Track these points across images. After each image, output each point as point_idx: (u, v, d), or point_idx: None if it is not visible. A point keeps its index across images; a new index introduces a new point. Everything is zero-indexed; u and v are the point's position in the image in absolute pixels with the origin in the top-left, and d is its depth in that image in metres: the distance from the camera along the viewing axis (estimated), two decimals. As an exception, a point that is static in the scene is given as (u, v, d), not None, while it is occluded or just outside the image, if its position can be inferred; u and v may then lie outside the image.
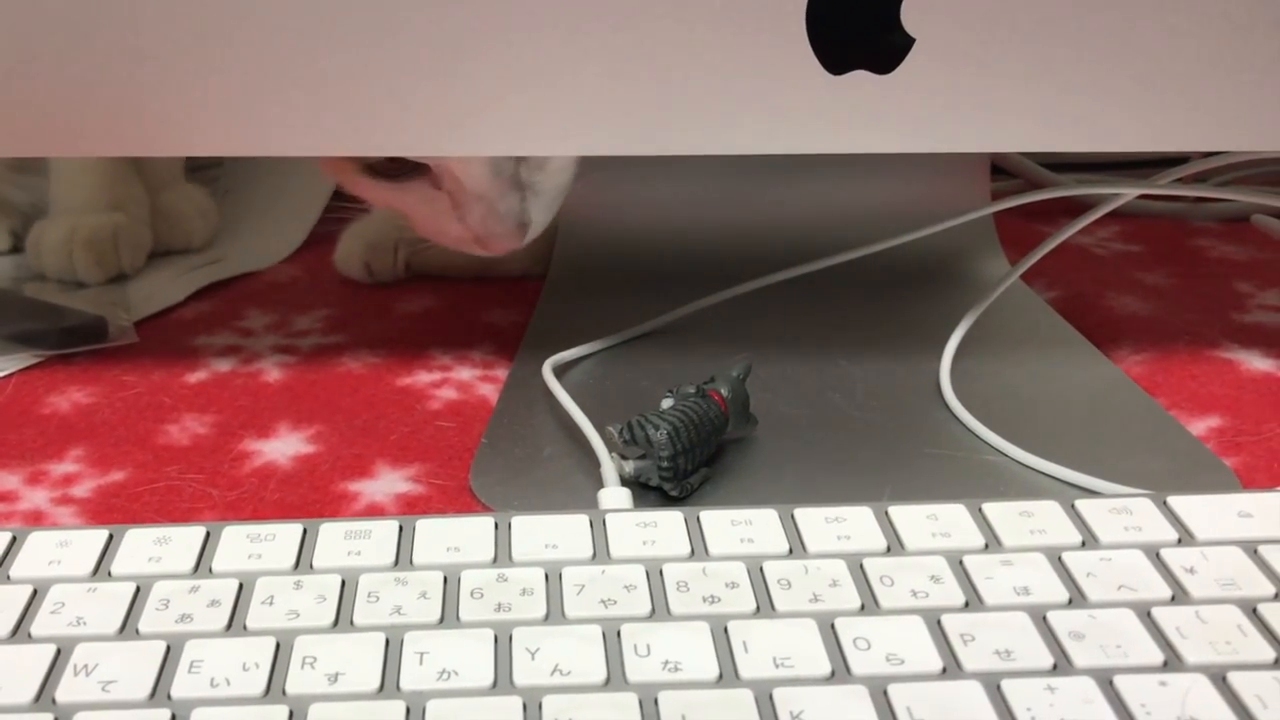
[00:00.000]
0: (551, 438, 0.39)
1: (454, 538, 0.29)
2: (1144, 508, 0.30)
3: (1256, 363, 0.46)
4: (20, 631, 0.26)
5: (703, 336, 0.47)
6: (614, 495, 0.34)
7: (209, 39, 0.34)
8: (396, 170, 0.44)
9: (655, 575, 0.28)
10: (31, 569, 0.28)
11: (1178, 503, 0.31)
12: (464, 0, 0.33)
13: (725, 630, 0.26)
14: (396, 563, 0.28)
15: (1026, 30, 0.34)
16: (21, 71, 0.34)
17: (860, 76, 0.35)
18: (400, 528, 0.29)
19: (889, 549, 0.29)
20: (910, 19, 0.34)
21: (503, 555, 0.29)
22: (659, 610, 0.27)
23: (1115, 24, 0.34)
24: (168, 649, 0.25)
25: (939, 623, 0.26)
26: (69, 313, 0.49)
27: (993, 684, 0.24)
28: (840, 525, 0.30)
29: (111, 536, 0.29)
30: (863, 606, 0.27)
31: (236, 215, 0.62)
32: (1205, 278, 0.56)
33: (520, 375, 0.44)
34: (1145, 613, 0.26)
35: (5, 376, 0.45)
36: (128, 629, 0.26)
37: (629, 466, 0.35)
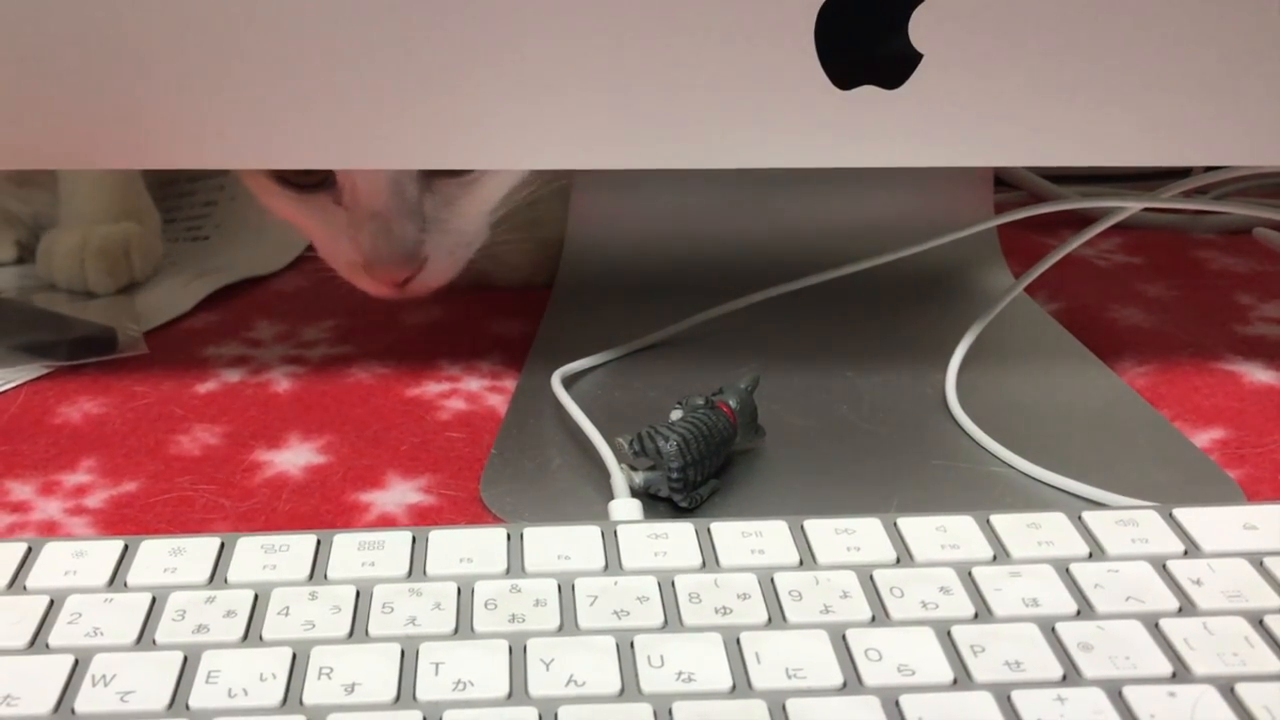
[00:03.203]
0: (561, 449, 0.39)
1: (467, 549, 0.29)
2: (1150, 520, 0.31)
3: (1259, 375, 0.47)
4: (38, 642, 0.26)
5: (710, 348, 0.47)
6: (624, 506, 0.34)
7: (208, 56, 0.34)
8: (304, 179, 0.43)
9: (667, 586, 0.28)
10: (48, 579, 0.28)
11: (1183, 515, 0.31)
12: (472, 15, 0.34)
13: (738, 641, 0.26)
14: (410, 574, 0.28)
15: (1032, 46, 0.35)
16: (27, 87, 0.35)
17: (868, 91, 0.35)
18: (413, 539, 0.30)
19: (898, 560, 0.29)
20: (918, 35, 0.35)
21: (515, 566, 0.29)
22: (672, 621, 0.27)
23: (1119, 40, 0.35)
24: (185, 659, 0.26)
25: (949, 634, 0.26)
26: (79, 324, 0.49)
27: (1003, 695, 0.25)
28: (850, 537, 0.30)
29: (127, 547, 0.29)
30: (873, 618, 0.27)
31: (242, 219, 0.63)
32: (1207, 290, 0.57)
33: (529, 386, 0.44)
34: (1153, 624, 0.27)
35: (16, 387, 0.45)
36: (145, 639, 0.26)
37: (639, 478, 0.35)
